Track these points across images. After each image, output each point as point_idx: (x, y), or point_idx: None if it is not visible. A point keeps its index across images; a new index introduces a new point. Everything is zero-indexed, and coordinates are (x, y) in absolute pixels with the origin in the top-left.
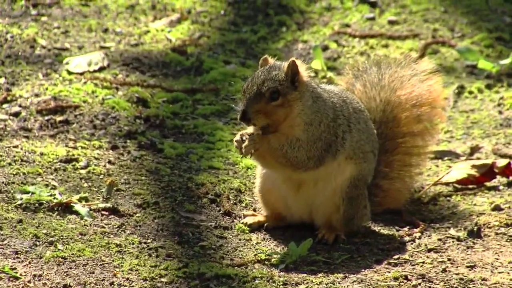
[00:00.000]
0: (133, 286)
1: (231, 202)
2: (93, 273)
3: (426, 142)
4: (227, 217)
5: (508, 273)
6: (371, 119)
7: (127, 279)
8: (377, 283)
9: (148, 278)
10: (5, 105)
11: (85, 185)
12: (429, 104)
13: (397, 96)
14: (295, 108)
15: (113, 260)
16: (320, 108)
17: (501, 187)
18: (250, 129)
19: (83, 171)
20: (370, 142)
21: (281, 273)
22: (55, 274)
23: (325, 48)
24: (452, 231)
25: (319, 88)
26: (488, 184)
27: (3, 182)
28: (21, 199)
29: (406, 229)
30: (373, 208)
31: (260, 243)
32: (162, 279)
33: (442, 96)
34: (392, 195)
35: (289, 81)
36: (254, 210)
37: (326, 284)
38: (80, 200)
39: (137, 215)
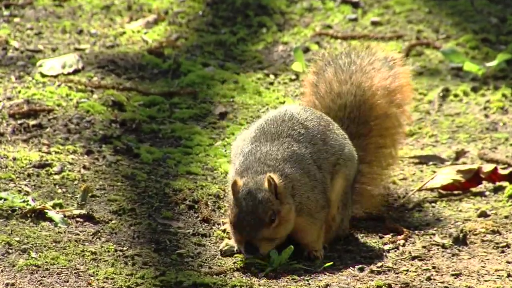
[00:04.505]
0: None
1: (210, 208)
2: (68, 281)
3: (399, 123)
4: (205, 224)
5: (495, 281)
6: (343, 104)
7: (103, 287)
8: None
9: (124, 287)
10: None
11: (59, 191)
12: (399, 88)
13: (368, 79)
14: (291, 218)
15: (88, 268)
16: (302, 191)
17: (487, 193)
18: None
19: (57, 177)
20: (348, 145)
21: (261, 281)
22: (28, 283)
23: (306, 50)
24: (437, 238)
25: (292, 172)
26: (474, 189)
27: None
28: None
29: (389, 236)
30: (356, 199)
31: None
32: None
33: (410, 79)
34: (372, 180)
35: (275, 197)
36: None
37: None
38: (54, 206)
39: (113, 222)
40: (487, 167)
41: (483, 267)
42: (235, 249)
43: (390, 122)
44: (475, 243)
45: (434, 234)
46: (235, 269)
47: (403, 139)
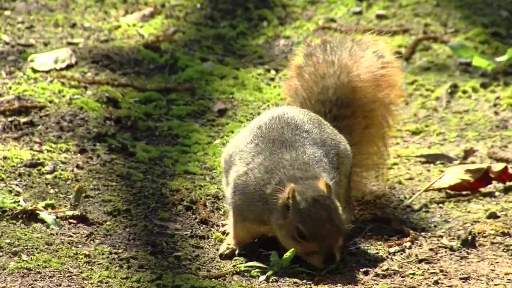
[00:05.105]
0: None
1: (208, 209)
2: (60, 285)
3: (386, 109)
4: (204, 226)
5: (505, 285)
6: (326, 86)
7: None
8: None
9: None
10: None
11: (52, 191)
12: (387, 76)
13: (355, 62)
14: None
15: (81, 272)
16: None
17: (497, 193)
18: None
19: (49, 176)
20: (342, 141)
21: (262, 285)
22: (20, 287)
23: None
24: (445, 241)
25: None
26: (483, 190)
27: None
28: None
29: (395, 238)
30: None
31: (239, 253)
32: None
33: (400, 71)
34: (361, 162)
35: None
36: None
37: None
38: (46, 207)
39: (107, 223)
40: (497, 167)
41: (493, 270)
42: (236, 252)
43: (375, 106)
44: (484, 245)
45: (441, 236)
46: (234, 272)
47: (391, 122)
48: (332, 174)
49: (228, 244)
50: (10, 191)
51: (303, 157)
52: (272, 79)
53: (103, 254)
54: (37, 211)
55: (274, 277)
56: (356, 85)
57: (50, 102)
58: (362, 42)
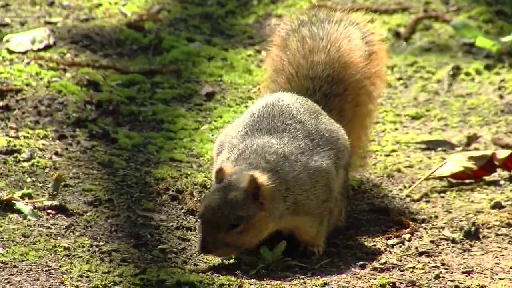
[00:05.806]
0: None
1: (195, 199)
2: (38, 280)
3: (374, 84)
4: (191, 216)
5: (510, 279)
6: (315, 62)
7: (77, 286)
8: None
9: (100, 286)
10: None
11: (29, 180)
12: (377, 55)
13: (346, 38)
14: (263, 228)
15: (60, 266)
16: (303, 179)
17: (502, 182)
18: None
19: (26, 164)
20: (340, 133)
21: (252, 280)
22: None
23: None
24: (447, 232)
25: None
26: (487, 178)
27: None
28: None
29: (394, 229)
30: None
31: None
32: (116, 287)
33: (384, 43)
34: (354, 142)
35: (252, 199)
36: None
37: None
38: (22, 196)
39: (88, 214)
40: (502, 153)
41: (497, 263)
42: None
43: (367, 82)
44: (488, 237)
45: (443, 228)
46: (223, 266)
47: (379, 97)
48: (314, 166)
49: None
50: None
51: (277, 147)
52: (263, 61)
53: (83, 246)
54: (13, 201)
55: (265, 271)
56: (347, 60)
57: (27, 85)
58: (348, 19)
